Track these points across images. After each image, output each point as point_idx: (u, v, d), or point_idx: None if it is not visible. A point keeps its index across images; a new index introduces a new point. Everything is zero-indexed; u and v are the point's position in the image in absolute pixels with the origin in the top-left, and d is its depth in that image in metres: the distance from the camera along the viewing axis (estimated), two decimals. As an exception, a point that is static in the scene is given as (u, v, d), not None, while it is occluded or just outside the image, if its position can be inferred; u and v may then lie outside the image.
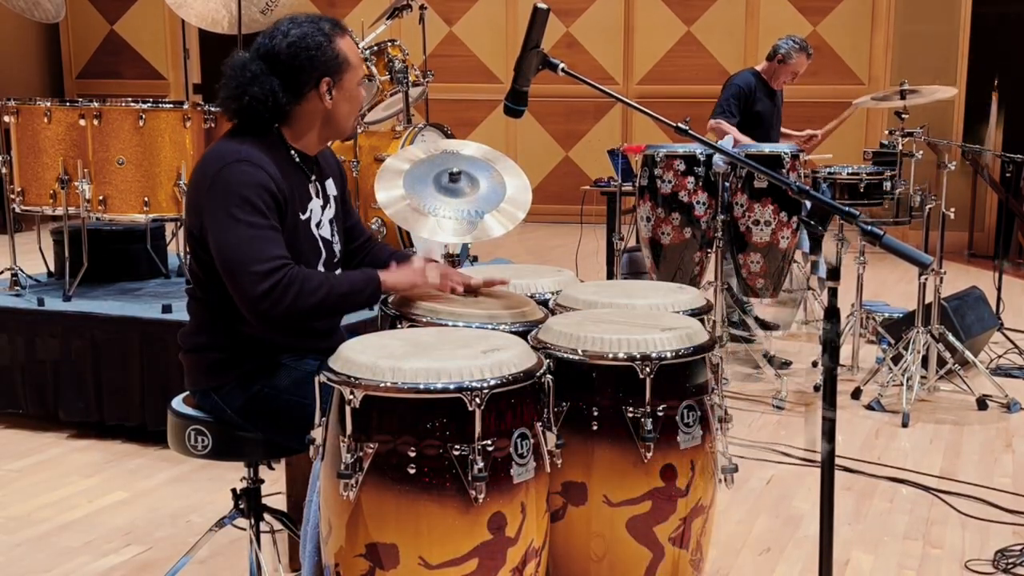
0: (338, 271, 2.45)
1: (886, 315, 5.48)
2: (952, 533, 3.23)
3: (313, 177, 2.37)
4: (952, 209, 4.59)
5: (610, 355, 2.11)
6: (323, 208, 2.39)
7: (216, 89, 2.31)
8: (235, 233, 2.13)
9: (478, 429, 1.85)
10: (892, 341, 4.89)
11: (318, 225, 2.37)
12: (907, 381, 4.39)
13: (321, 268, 2.36)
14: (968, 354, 4.58)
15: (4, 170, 4.36)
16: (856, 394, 4.60)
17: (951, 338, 4.52)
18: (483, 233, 2.81)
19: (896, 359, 4.60)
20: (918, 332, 4.47)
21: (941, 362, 4.53)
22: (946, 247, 4.75)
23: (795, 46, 5.50)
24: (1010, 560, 2.95)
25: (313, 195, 2.36)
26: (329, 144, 2.52)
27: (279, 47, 2.26)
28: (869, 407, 4.47)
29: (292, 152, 2.32)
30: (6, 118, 4.26)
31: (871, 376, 4.71)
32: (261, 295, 2.10)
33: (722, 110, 5.55)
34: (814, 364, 5.13)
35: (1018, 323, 5.80)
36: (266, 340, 2.28)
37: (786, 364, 5.13)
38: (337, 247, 2.45)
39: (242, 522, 2.49)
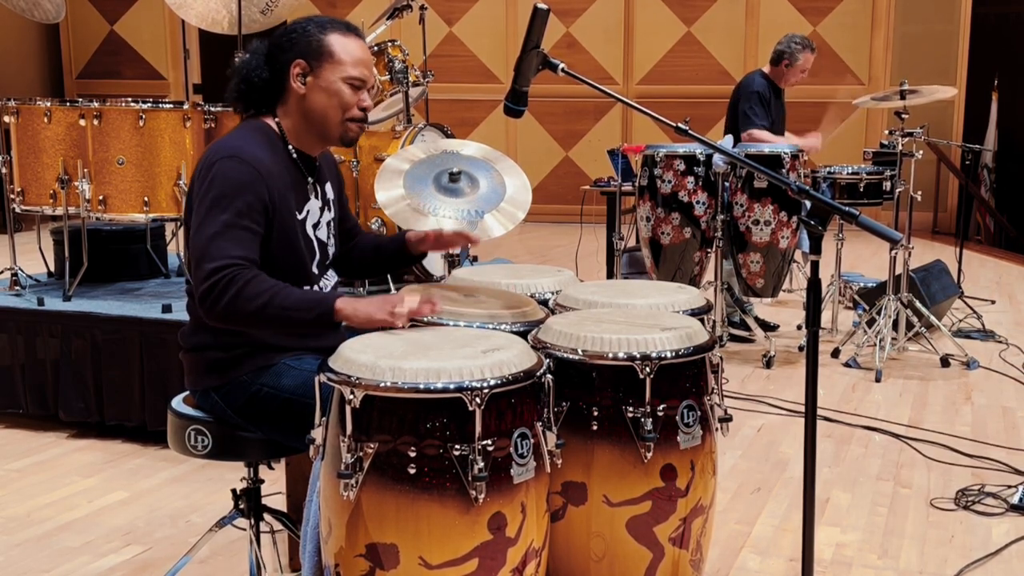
0: (329, 271, 2.45)
1: (861, 284, 6.09)
2: (919, 475, 3.61)
3: (311, 179, 2.37)
4: (919, 192, 5.16)
5: (610, 355, 2.10)
6: (322, 210, 2.39)
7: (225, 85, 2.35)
8: (203, 228, 2.13)
9: (478, 429, 1.84)
10: (867, 307, 5.37)
11: (315, 226, 2.36)
12: (880, 342, 4.93)
13: (314, 270, 2.36)
14: (933, 319, 5.14)
15: (4, 170, 4.36)
16: (835, 353, 5.19)
17: (918, 304, 5.09)
18: (483, 233, 2.81)
19: (870, 323, 5.17)
20: (889, 299, 5.01)
21: (909, 325, 5.09)
22: (913, 225, 5.26)
23: (798, 46, 5.48)
24: (969, 498, 3.34)
25: (311, 196, 2.36)
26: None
27: (277, 31, 2.31)
28: (847, 364, 5.02)
29: (291, 149, 2.32)
30: (6, 118, 4.26)
31: (848, 338, 5.34)
32: (203, 293, 2.10)
33: (751, 120, 5.44)
34: (799, 327, 5.74)
35: (976, 291, 6.68)
36: (266, 340, 2.28)
37: (774, 327, 5.67)
38: (331, 250, 2.45)
39: (242, 522, 2.49)
